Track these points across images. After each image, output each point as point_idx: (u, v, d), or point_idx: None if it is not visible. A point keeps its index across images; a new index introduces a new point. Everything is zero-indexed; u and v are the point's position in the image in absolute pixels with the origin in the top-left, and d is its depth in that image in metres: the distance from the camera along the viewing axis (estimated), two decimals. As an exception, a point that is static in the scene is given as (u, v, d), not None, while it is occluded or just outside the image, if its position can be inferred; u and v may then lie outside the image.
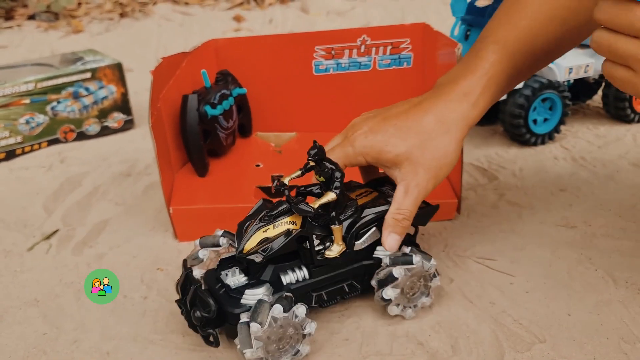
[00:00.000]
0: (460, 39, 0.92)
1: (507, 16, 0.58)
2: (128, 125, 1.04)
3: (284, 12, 1.81)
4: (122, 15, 1.79)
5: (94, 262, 0.67)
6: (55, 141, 0.97)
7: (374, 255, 0.55)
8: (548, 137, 0.93)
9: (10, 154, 0.93)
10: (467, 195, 0.78)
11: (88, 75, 0.96)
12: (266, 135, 0.88)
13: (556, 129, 0.93)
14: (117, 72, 1.00)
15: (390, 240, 0.54)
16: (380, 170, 0.60)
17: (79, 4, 1.82)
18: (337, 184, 0.51)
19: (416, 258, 0.53)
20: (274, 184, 0.52)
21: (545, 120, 0.92)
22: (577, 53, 0.96)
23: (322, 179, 0.52)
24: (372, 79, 0.85)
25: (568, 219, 0.71)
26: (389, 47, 0.84)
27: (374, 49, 0.84)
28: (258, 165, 0.80)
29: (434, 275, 0.55)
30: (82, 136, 0.99)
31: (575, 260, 0.63)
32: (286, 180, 0.53)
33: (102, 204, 0.80)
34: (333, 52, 0.85)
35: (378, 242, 0.55)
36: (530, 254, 0.65)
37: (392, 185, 0.60)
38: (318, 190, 0.54)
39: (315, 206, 0.50)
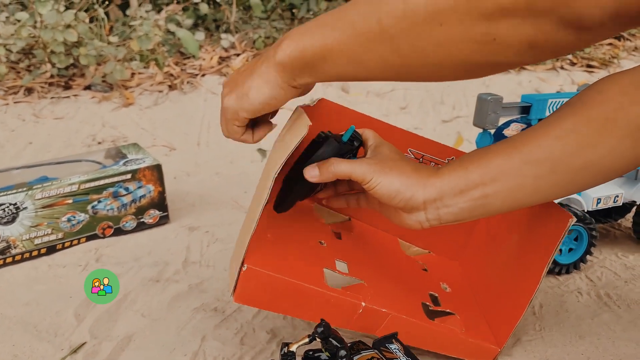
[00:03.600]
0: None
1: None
2: (163, 220, 1.09)
3: (325, 91, 1.86)
4: (171, 87, 1.88)
5: (113, 387, 0.70)
6: (94, 237, 1.03)
7: None
8: (573, 267, 0.92)
9: (51, 249, 0.99)
10: (483, 335, 0.78)
11: (128, 176, 1.02)
12: (321, 209, 0.87)
13: (582, 259, 0.92)
14: (156, 172, 1.05)
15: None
16: None
17: (132, 74, 1.92)
18: (340, 363, 0.52)
19: None
20: (281, 352, 0.54)
21: (571, 250, 0.92)
22: (607, 182, 0.96)
23: (327, 354, 0.54)
24: None
25: (583, 378, 0.70)
26: None
27: None
28: (321, 243, 0.77)
29: None
30: (118, 231, 1.05)
31: None
32: (294, 348, 0.55)
33: (129, 314, 0.84)
34: (421, 159, 0.82)
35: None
36: (540, 417, 0.64)
37: (401, 345, 0.61)
38: (325, 358, 0.56)
39: (318, 385, 0.52)
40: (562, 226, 0.66)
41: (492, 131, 0.90)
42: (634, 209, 1.01)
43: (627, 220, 1.08)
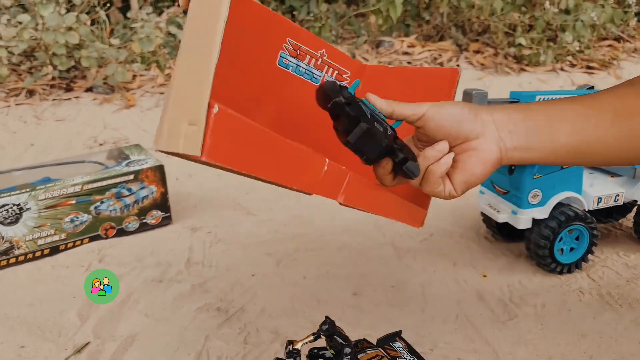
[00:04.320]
0: (504, 172, 0.92)
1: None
2: (165, 221, 1.09)
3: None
4: (172, 89, 1.88)
5: (117, 386, 0.70)
6: (96, 237, 1.03)
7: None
8: (575, 266, 0.92)
9: (54, 250, 0.99)
10: (487, 335, 0.78)
11: (131, 177, 1.02)
12: None
13: (583, 258, 0.92)
14: (159, 173, 1.05)
15: None
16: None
17: (134, 76, 1.93)
18: (345, 360, 0.53)
19: None
20: (286, 350, 0.54)
21: (572, 249, 0.92)
22: (607, 181, 0.96)
23: (332, 351, 0.54)
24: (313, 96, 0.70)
25: (586, 376, 0.70)
26: (335, 73, 0.81)
27: (326, 67, 0.80)
28: None
29: None
30: (121, 232, 1.05)
31: None
32: (299, 346, 0.55)
33: (132, 314, 0.84)
34: (299, 51, 0.78)
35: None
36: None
37: (405, 343, 0.62)
38: (330, 356, 0.56)
39: (324, 383, 0.52)
40: (453, 77, 0.67)
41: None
42: (635, 209, 1.01)
43: (629, 220, 1.08)
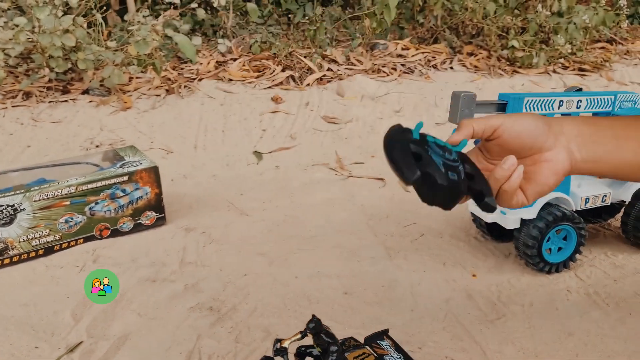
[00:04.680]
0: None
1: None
2: (160, 222, 1.10)
3: (320, 95, 1.88)
4: (168, 91, 1.89)
5: (110, 384, 0.71)
6: (91, 238, 1.04)
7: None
8: (563, 266, 0.93)
9: (49, 250, 1.00)
10: (475, 334, 0.79)
11: (125, 178, 1.04)
12: None
13: (571, 258, 0.94)
14: (153, 174, 1.06)
15: None
16: None
17: (130, 79, 1.94)
18: (331, 358, 0.54)
19: None
20: (274, 348, 0.56)
21: (560, 249, 0.93)
22: (594, 182, 0.97)
23: (319, 349, 0.55)
24: None
25: (571, 373, 0.72)
26: None
27: None
28: None
29: None
30: (116, 233, 1.06)
31: None
32: (286, 344, 0.56)
33: (125, 314, 0.85)
34: None
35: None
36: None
37: (392, 341, 0.63)
38: (317, 353, 0.57)
39: (310, 379, 0.53)
40: None
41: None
42: (622, 209, 1.02)
43: (617, 220, 1.09)
